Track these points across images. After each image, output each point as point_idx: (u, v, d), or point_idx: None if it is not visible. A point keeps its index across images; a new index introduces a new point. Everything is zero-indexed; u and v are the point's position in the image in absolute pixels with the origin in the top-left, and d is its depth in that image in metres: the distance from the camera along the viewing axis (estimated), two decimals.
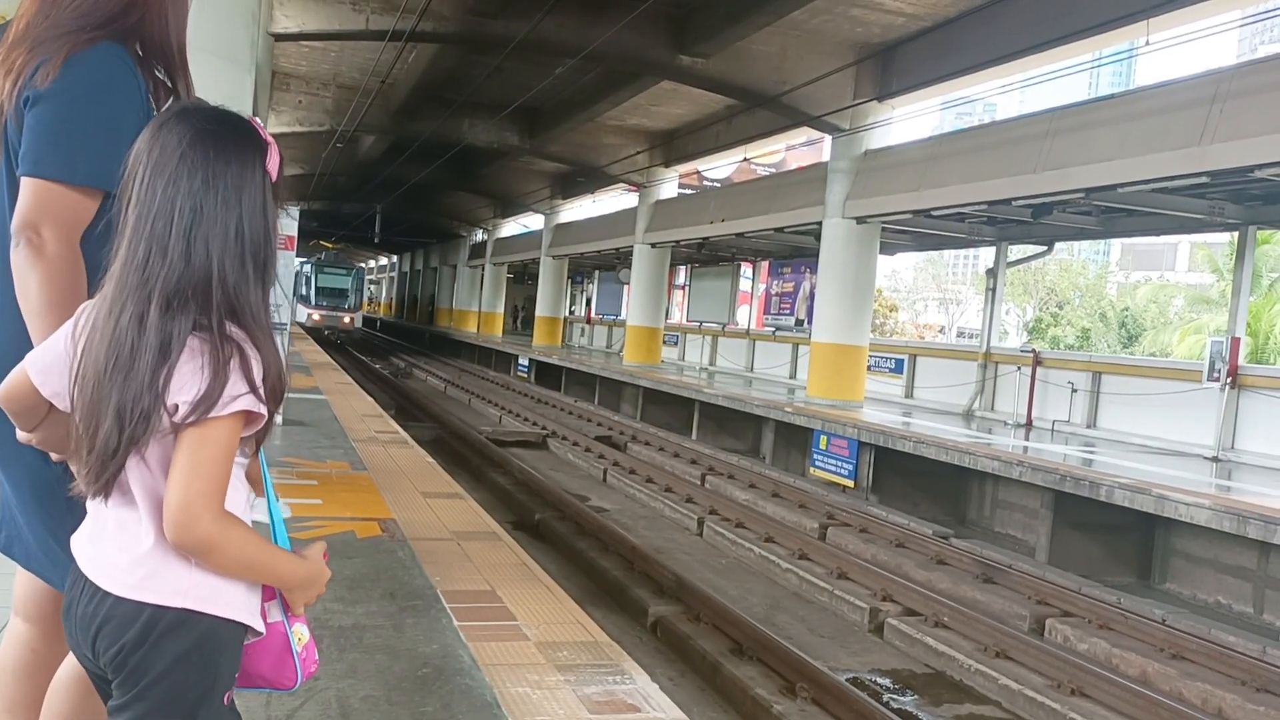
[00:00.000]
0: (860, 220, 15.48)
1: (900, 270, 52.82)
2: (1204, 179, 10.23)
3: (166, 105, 1.87)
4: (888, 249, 18.76)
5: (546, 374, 27.64)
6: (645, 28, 14.87)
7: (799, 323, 20.96)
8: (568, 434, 17.92)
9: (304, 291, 42.80)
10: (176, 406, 1.36)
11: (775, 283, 22.59)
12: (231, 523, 1.41)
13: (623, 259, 27.09)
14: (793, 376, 21.44)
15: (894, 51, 14.90)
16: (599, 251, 27.98)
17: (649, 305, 23.88)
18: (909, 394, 18.12)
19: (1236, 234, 13.33)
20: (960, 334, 50.34)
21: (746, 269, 25.19)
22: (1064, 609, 8.69)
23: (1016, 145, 12.63)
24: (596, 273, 36.37)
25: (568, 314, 36.80)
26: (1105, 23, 10.49)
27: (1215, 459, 12.00)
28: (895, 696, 7.01)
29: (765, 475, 14.43)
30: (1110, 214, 14.32)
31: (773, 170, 28.44)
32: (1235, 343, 12.28)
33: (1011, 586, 9.36)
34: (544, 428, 18.55)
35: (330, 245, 47.27)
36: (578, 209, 31.32)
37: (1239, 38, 68.73)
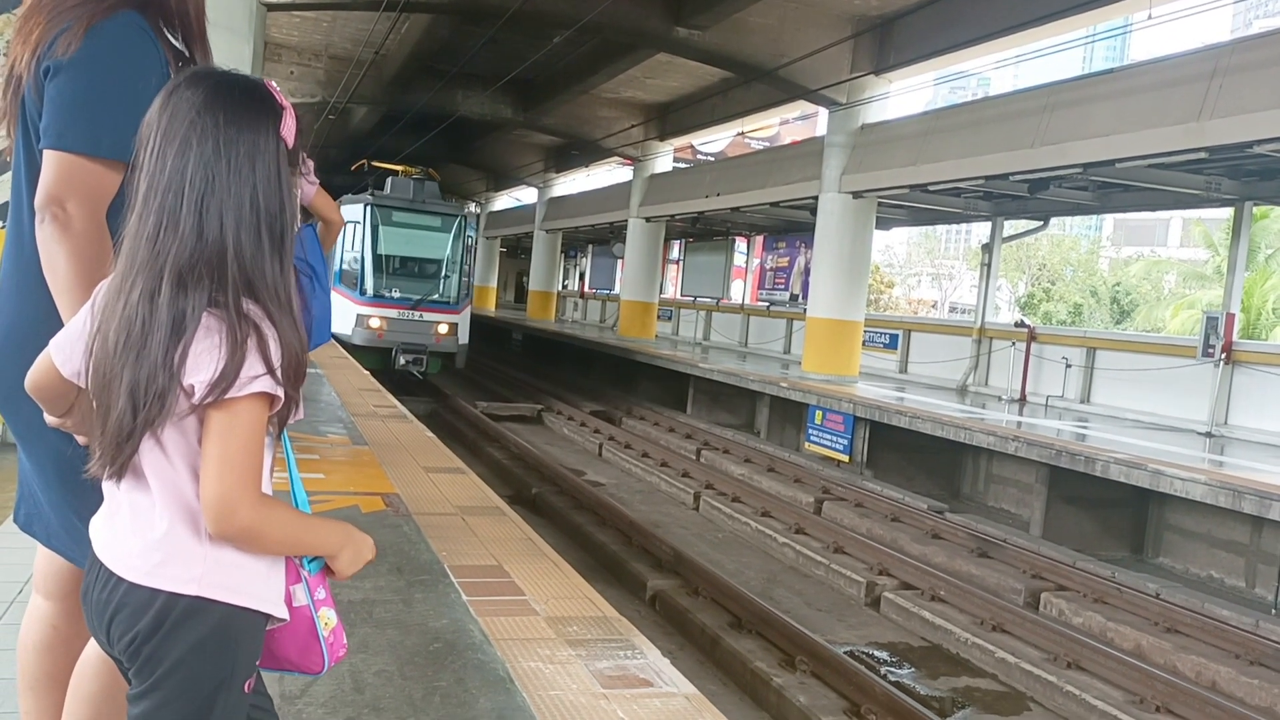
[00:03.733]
0: (857, 195, 15.44)
1: (894, 245, 52.84)
2: (1202, 154, 10.21)
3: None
4: (883, 224, 18.71)
5: (540, 348, 27.62)
6: None
7: (793, 298, 20.96)
8: (562, 408, 17.93)
9: (354, 268, 18.54)
10: (193, 387, 1.32)
11: (770, 257, 22.57)
12: (269, 506, 1.39)
13: (617, 233, 27.02)
14: (787, 351, 21.45)
15: (892, 25, 14.81)
16: (593, 225, 27.89)
17: (643, 280, 23.83)
18: (903, 369, 18.16)
19: (1233, 210, 13.33)
20: (953, 309, 50.38)
21: (741, 244, 25.15)
22: (1059, 583, 8.77)
23: (1014, 120, 12.59)
24: (590, 247, 36.26)
25: (561, 288, 36.70)
26: None
27: (1209, 434, 12.06)
28: (892, 669, 7.07)
29: (760, 450, 14.47)
30: (1106, 189, 14.32)
31: (767, 145, 28.31)
32: (1230, 319, 12.32)
33: (1006, 561, 9.43)
34: (538, 402, 18.54)
35: (404, 169, 20.31)
36: (571, 182, 31.15)
37: (1234, 12, 68.39)
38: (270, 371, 1.34)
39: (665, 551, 8.89)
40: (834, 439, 13.40)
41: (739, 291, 25.67)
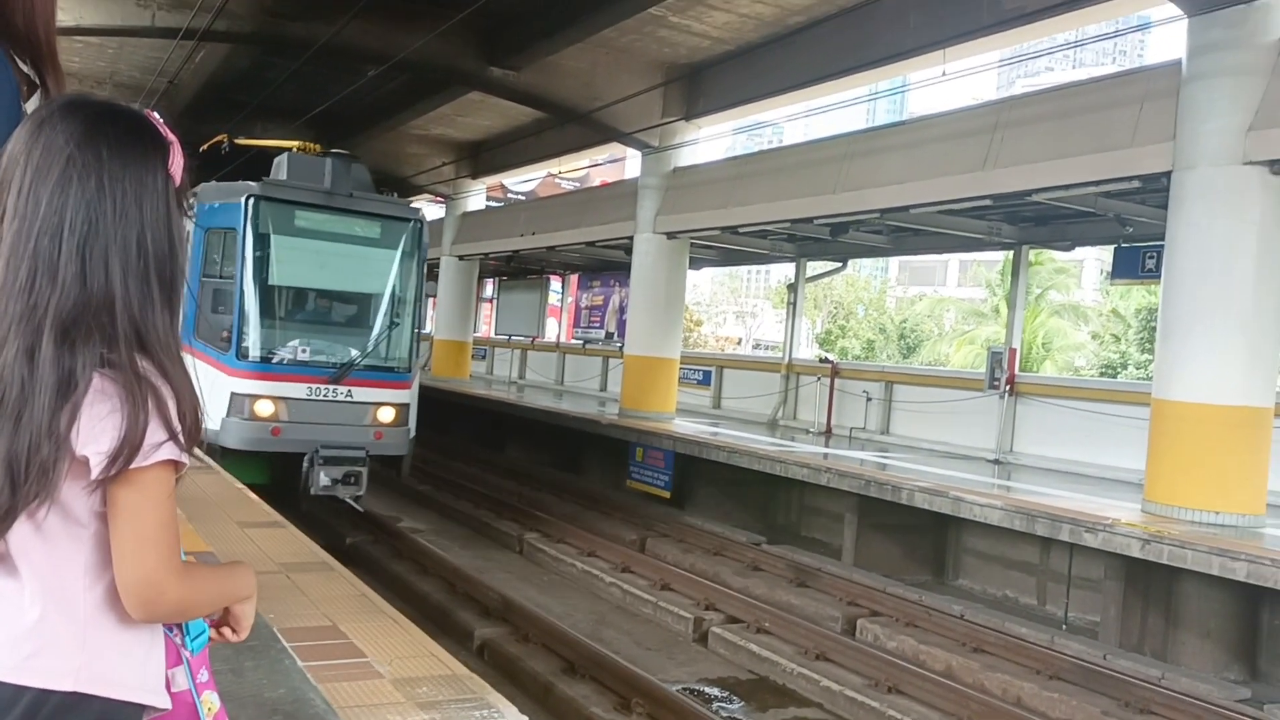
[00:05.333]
0: (670, 235, 15.80)
1: (700, 284, 54.42)
2: (987, 201, 11.05)
3: (34, 101, 1.64)
4: (694, 264, 19.18)
5: None
6: (455, 38, 14.62)
7: (609, 336, 21.15)
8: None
9: (222, 312, 10.46)
10: (88, 459, 1.19)
11: (585, 296, 22.72)
12: (191, 573, 1.30)
13: (428, 271, 26.49)
14: (603, 389, 21.59)
15: (700, 74, 15.31)
16: None
17: (457, 318, 23.49)
18: (716, 405, 18.61)
19: (1012, 253, 14.46)
20: (756, 345, 52.22)
21: (555, 282, 25.22)
22: (872, 609, 9.15)
23: (817, 167, 13.23)
24: None
25: None
26: (906, 51, 11.19)
27: (997, 461, 12.93)
28: (724, 705, 7.15)
29: (583, 488, 14.45)
30: (899, 233, 15.23)
31: (577, 185, 28.62)
32: (1013, 353, 13.30)
33: (823, 589, 9.76)
34: None
35: (300, 144, 12.00)
36: None
37: (998, 71, 74.90)
38: (173, 436, 1.23)
39: (492, 598, 8.69)
40: (655, 475, 13.54)
41: (554, 330, 25.69)
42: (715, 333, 53.92)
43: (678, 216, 15.57)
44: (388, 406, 10.69)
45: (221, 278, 10.49)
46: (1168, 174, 8.82)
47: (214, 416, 9.82)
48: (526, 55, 14.85)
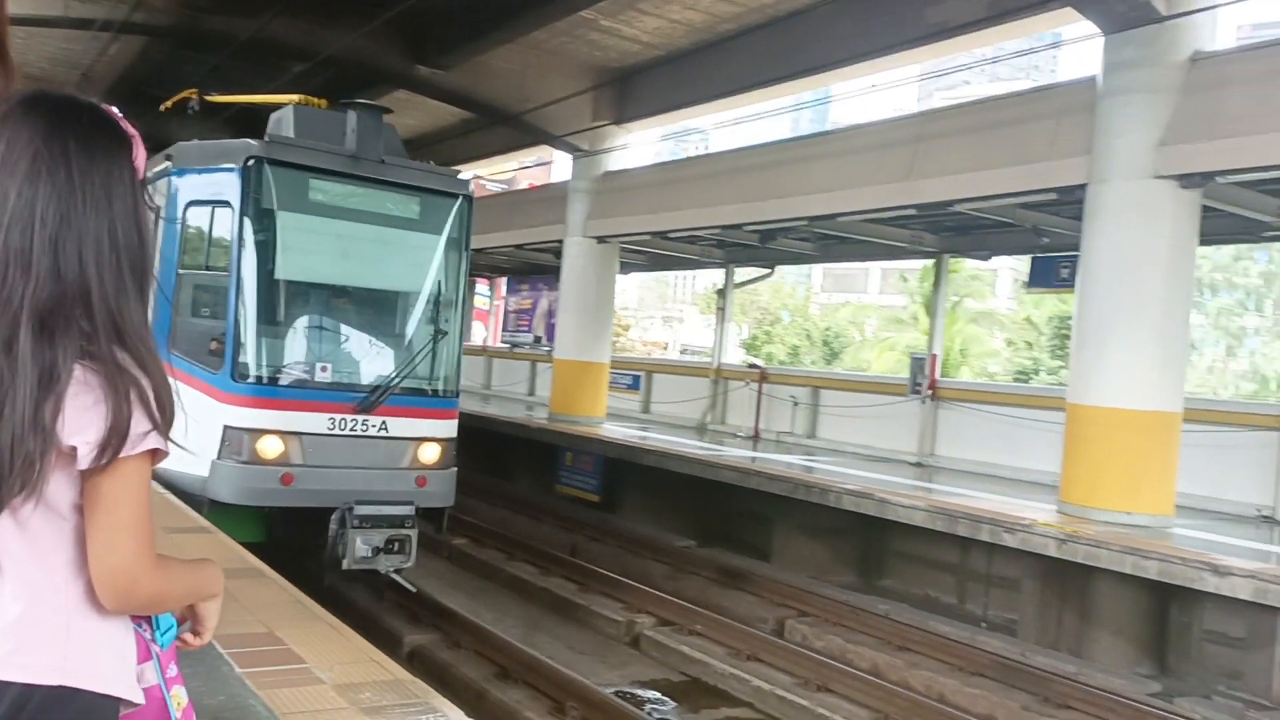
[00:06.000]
0: (601, 240, 15.83)
1: (628, 289, 54.55)
2: (911, 211, 11.31)
3: None
4: (623, 268, 19.25)
5: None
6: (381, 35, 14.46)
7: (537, 340, 21.09)
8: None
9: (213, 320, 7.80)
10: (75, 450, 1.19)
11: (512, 299, 22.63)
12: (165, 565, 1.30)
13: None
14: (531, 394, 21.51)
15: (631, 78, 15.37)
16: None
17: None
18: (645, 409, 18.68)
19: (933, 261, 14.81)
20: (683, 350, 52.51)
21: (482, 285, 25.06)
22: (800, 609, 9.29)
23: (746, 174, 13.38)
24: None
25: None
26: (834, 62, 11.40)
27: (919, 464, 13.23)
28: (656, 707, 7.19)
29: (512, 494, 14.38)
30: (826, 241, 15.49)
31: (504, 188, 28.48)
32: (934, 359, 13.62)
33: (753, 591, 9.89)
34: None
35: (303, 97, 8.68)
36: None
37: (918, 83, 76.65)
38: (156, 426, 1.24)
39: (422, 604, 8.60)
40: (585, 480, 13.55)
41: (481, 334, 25.52)
42: (643, 337, 54.10)
43: (608, 220, 15.60)
44: (432, 443, 8.17)
45: (209, 269, 7.98)
46: (1083, 186, 9.13)
47: (201, 459, 7.35)
48: (455, 54, 14.74)
